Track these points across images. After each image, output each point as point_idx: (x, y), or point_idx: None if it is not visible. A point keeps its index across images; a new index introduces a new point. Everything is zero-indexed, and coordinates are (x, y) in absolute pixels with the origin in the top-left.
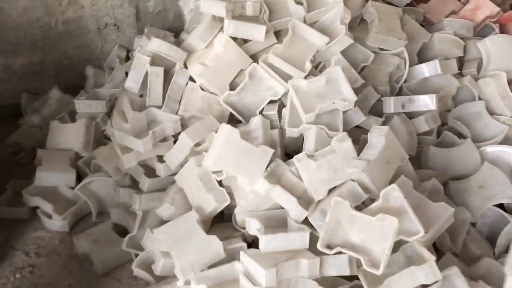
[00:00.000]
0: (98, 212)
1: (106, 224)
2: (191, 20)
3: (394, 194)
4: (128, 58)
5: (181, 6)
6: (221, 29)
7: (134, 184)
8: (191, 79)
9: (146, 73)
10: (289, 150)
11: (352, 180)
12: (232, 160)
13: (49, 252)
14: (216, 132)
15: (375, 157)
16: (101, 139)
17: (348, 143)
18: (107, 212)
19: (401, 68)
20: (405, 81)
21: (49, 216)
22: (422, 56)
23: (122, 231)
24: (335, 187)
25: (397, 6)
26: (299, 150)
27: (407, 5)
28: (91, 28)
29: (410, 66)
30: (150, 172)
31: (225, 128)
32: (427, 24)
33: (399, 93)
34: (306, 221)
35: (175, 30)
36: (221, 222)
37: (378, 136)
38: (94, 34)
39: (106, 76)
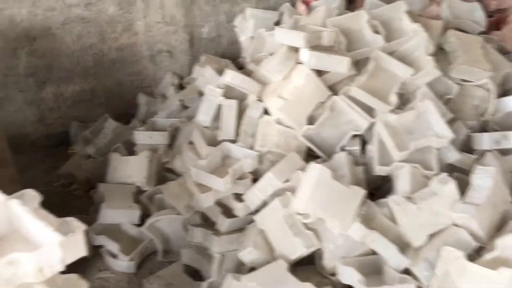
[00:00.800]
0: (164, 250)
1: (176, 265)
2: (254, 49)
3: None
4: (181, 85)
5: (237, 33)
6: (297, 60)
7: (205, 223)
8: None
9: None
10: (369, 187)
11: (455, 225)
12: (323, 202)
13: None
14: (301, 170)
15: (483, 201)
16: (162, 171)
17: (452, 185)
18: (173, 251)
19: (486, 101)
20: None
21: (114, 256)
22: (503, 87)
23: (191, 272)
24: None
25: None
26: (379, 187)
27: (480, 33)
28: (144, 54)
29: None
30: (224, 210)
31: (315, 168)
32: (502, 52)
33: (484, 127)
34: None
35: (228, 57)
36: (299, 264)
37: (484, 178)
38: (146, 61)
39: (159, 104)
